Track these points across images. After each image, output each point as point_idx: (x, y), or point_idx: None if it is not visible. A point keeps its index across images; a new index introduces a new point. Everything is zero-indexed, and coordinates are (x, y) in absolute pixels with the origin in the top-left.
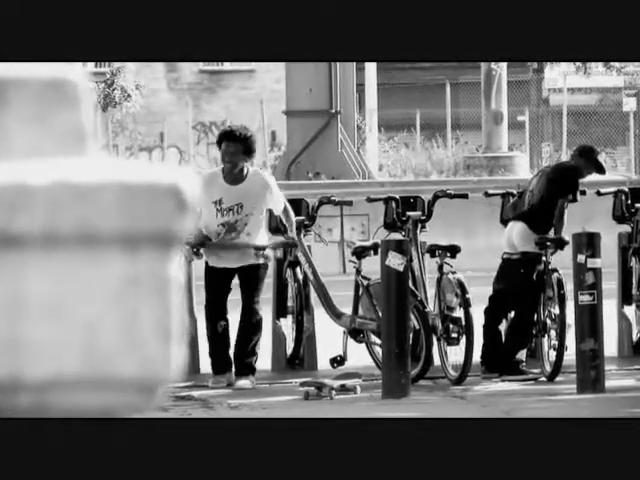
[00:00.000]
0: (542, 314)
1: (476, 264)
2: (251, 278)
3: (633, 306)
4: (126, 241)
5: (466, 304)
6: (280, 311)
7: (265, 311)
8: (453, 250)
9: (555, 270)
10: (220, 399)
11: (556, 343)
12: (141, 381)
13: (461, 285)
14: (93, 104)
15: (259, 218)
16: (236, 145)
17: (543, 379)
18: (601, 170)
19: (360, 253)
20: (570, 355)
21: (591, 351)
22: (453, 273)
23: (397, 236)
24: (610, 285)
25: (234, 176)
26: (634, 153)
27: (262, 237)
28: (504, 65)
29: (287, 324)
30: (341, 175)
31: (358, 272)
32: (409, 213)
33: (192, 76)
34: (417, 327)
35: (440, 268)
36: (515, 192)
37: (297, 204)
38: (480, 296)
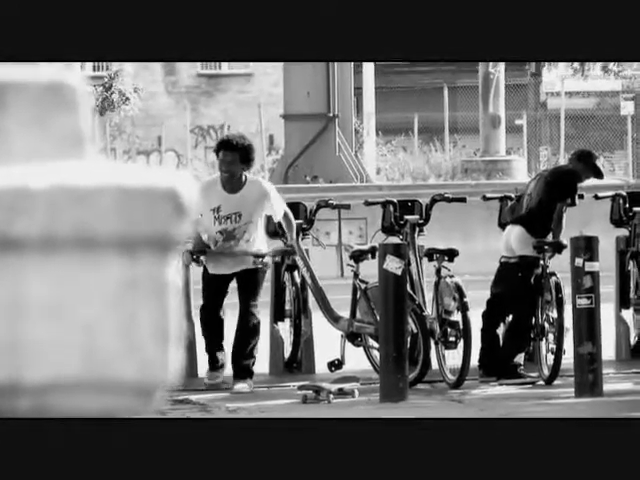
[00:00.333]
0: (540, 318)
1: (474, 268)
2: (249, 282)
3: (631, 310)
4: (124, 244)
5: (464, 308)
6: (278, 315)
7: (263, 315)
8: (451, 254)
9: (553, 274)
10: (218, 403)
11: (554, 347)
12: (139, 384)
13: (459, 289)
14: (91, 108)
15: (258, 225)
16: (233, 154)
17: (541, 383)
18: (599, 175)
19: (358, 257)
20: (568, 359)
21: (589, 355)
22: (451, 277)
23: (395, 240)
24: (608, 289)
25: (232, 184)
26: (632, 157)
27: (261, 243)
28: (502, 68)
29: (285, 328)
30: (339, 179)
31: (356, 276)
32: (407, 217)
33: (190, 80)
34: (415, 331)
35: (438, 272)
36: (513, 196)
37: (295, 208)
38: (478, 300)
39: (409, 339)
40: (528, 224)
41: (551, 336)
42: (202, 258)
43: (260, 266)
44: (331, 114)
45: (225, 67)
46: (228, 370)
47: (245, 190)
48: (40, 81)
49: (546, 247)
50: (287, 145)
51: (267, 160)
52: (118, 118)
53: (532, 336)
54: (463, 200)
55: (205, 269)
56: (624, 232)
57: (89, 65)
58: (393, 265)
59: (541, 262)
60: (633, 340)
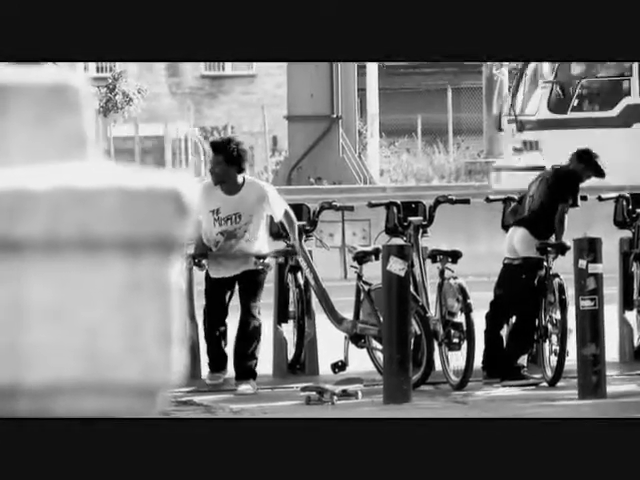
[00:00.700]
0: (543, 319)
1: (477, 269)
2: (250, 283)
3: (634, 311)
4: (127, 246)
5: (467, 309)
6: (281, 316)
7: (266, 316)
8: (454, 255)
9: (556, 275)
10: (222, 404)
11: (557, 348)
12: (142, 386)
13: (462, 290)
14: (94, 109)
15: (259, 224)
16: (217, 156)
17: (544, 384)
18: (600, 173)
19: (361, 258)
20: (571, 360)
21: (592, 356)
22: (454, 278)
23: (398, 241)
24: (611, 290)
25: (229, 186)
26: None
27: (262, 242)
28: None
29: (288, 329)
30: (342, 180)
31: (359, 277)
32: (410, 218)
33: (194, 81)
34: (418, 332)
35: (441, 273)
36: (516, 197)
37: (298, 209)
38: (481, 301)
39: (413, 340)
40: (531, 226)
41: (554, 338)
42: (204, 261)
43: (261, 267)
44: (335, 115)
45: (229, 68)
46: (230, 372)
47: (244, 191)
48: (43, 82)
49: (549, 249)
50: (291, 146)
51: (271, 161)
52: (122, 119)
53: (535, 338)
54: (467, 202)
55: (207, 273)
56: (627, 234)
57: (92, 66)
58: (397, 266)
59: (544, 264)
60: (636, 342)
